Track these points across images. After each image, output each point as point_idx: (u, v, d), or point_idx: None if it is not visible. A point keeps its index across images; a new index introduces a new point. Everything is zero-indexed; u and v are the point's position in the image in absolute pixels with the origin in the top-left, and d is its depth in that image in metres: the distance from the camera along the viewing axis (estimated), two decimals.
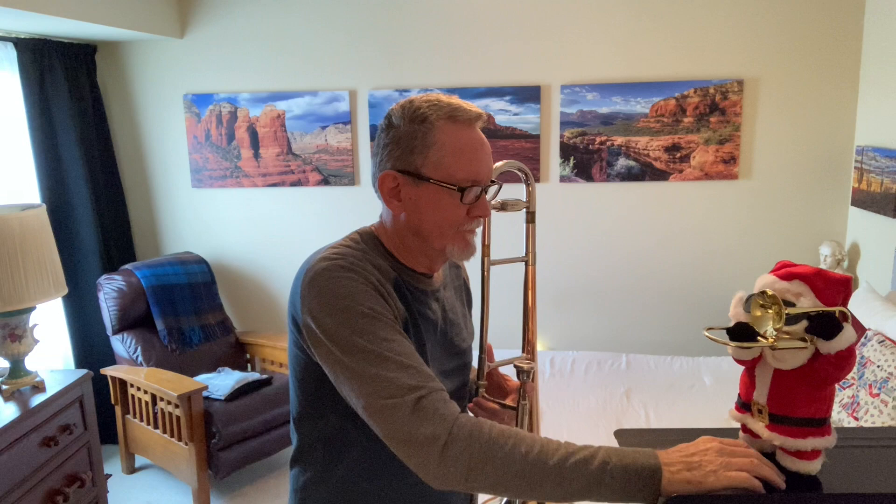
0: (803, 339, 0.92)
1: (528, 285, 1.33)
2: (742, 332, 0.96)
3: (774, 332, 0.91)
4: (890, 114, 3.23)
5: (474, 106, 1.15)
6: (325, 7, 3.70)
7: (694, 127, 3.63)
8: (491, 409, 1.21)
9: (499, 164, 1.29)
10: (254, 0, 3.72)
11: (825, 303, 0.94)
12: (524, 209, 1.35)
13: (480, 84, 3.70)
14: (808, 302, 0.93)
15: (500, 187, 1.23)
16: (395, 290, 1.12)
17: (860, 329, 0.97)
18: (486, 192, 1.15)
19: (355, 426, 1.10)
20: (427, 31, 3.69)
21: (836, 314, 0.92)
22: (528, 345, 1.31)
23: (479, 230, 1.23)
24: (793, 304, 0.94)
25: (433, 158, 1.09)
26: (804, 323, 0.92)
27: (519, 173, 1.35)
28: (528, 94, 3.67)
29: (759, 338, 0.94)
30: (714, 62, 3.58)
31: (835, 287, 0.95)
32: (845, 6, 3.47)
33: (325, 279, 1.05)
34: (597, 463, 0.94)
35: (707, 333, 0.98)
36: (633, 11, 3.57)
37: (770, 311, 0.92)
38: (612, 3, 3.58)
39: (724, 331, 0.98)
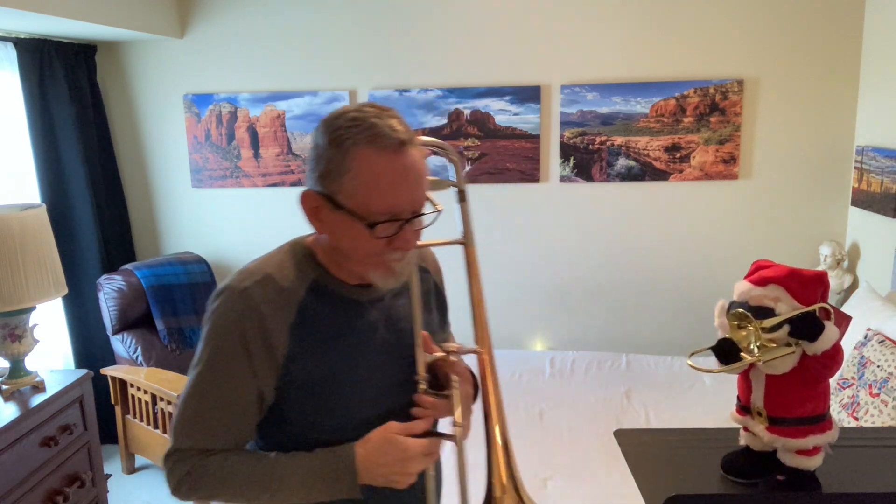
0: (789, 344, 0.92)
1: (470, 269, 1.25)
2: (727, 350, 0.96)
3: (757, 349, 0.92)
4: (890, 114, 3.23)
5: (405, 127, 1.06)
6: (325, 7, 3.70)
7: (694, 127, 3.63)
8: (430, 402, 1.15)
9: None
10: (254, 0, 3.72)
11: (803, 302, 0.93)
12: (453, 188, 1.26)
13: (480, 84, 3.70)
14: (785, 306, 0.93)
15: (440, 213, 1.14)
16: (300, 312, 1.11)
17: (845, 319, 0.97)
18: (411, 223, 1.07)
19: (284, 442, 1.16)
20: (427, 31, 3.69)
21: (816, 312, 0.92)
22: (478, 334, 1.22)
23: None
24: (772, 309, 0.93)
25: (347, 187, 1.04)
26: (786, 328, 0.92)
27: (440, 151, 1.25)
28: (528, 94, 3.67)
29: (742, 354, 0.95)
30: (714, 62, 3.58)
31: (810, 285, 0.95)
32: (845, 6, 3.47)
33: (220, 298, 1.12)
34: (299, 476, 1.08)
35: (690, 363, 0.98)
36: (633, 11, 3.57)
37: (750, 328, 0.92)
38: (612, 3, 3.58)
39: (710, 349, 0.98)
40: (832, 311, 0.93)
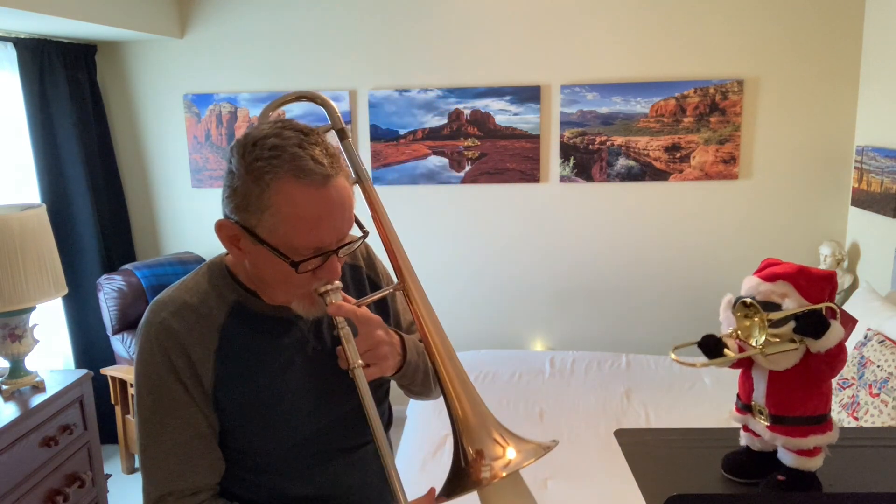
0: (793, 340, 0.92)
1: (371, 205, 1.17)
2: (711, 345, 0.96)
3: (762, 340, 0.92)
4: (890, 114, 3.23)
5: (329, 155, 1.00)
6: (325, 7, 3.70)
7: (694, 127, 3.63)
8: (337, 350, 1.09)
9: (278, 100, 1.15)
10: (254, 0, 3.72)
11: (811, 300, 0.94)
12: (330, 130, 1.19)
13: (480, 84, 3.70)
14: (793, 302, 0.93)
15: (366, 235, 1.10)
16: (222, 338, 1.08)
17: (850, 321, 0.97)
18: (337, 253, 1.03)
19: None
20: (427, 31, 3.69)
21: (823, 311, 0.92)
22: (395, 267, 1.16)
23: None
24: (779, 305, 0.94)
25: (268, 223, 0.98)
26: (792, 323, 0.92)
27: (308, 101, 1.20)
28: (528, 94, 3.67)
29: (726, 350, 0.94)
30: (714, 62, 3.58)
31: (819, 284, 0.95)
32: (845, 6, 3.48)
33: (141, 335, 1.08)
34: None
35: (673, 356, 0.96)
36: (634, 11, 3.57)
37: (756, 319, 0.92)
38: (613, 3, 3.58)
39: (696, 345, 0.98)
40: (839, 311, 0.94)
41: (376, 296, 1.17)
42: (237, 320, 1.09)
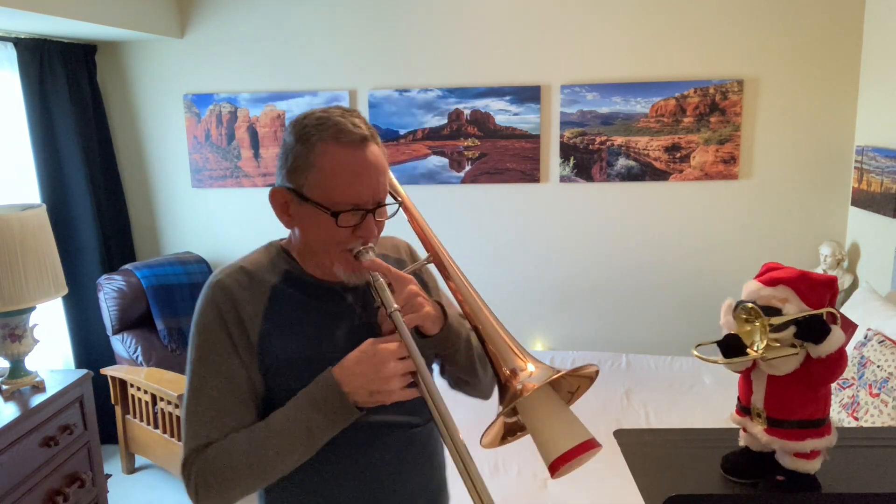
0: (793, 345, 0.92)
1: (396, 192, 1.32)
2: (733, 345, 0.96)
3: (762, 346, 0.92)
4: (890, 114, 3.23)
5: (365, 125, 1.14)
6: (325, 7, 3.70)
7: (694, 127, 3.63)
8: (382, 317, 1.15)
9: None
10: (254, 0, 3.72)
11: (812, 305, 0.93)
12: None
13: (480, 84, 3.70)
14: (793, 307, 0.93)
15: (400, 205, 1.21)
16: (272, 296, 1.17)
17: (850, 326, 0.97)
18: (373, 214, 1.14)
19: None
20: (427, 31, 3.69)
21: (824, 316, 0.92)
22: (425, 243, 1.29)
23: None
24: (779, 310, 0.93)
25: (312, 180, 1.11)
26: (792, 329, 0.92)
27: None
28: (528, 94, 3.67)
29: (748, 350, 0.95)
30: (714, 62, 3.58)
31: (820, 289, 0.95)
32: (845, 6, 3.47)
33: (200, 296, 1.19)
34: (294, 415, 1.09)
35: (696, 353, 0.99)
36: (634, 11, 3.57)
37: (756, 324, 0.92)
38: (612, 3, 3.57)
39: (715, 344, 0.98)
40: (839, 316, 0.93)
41: (413, 267, 1.28)
42: (287, 283, 1.20)
